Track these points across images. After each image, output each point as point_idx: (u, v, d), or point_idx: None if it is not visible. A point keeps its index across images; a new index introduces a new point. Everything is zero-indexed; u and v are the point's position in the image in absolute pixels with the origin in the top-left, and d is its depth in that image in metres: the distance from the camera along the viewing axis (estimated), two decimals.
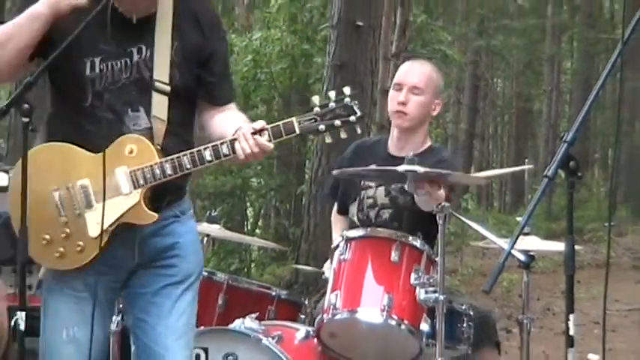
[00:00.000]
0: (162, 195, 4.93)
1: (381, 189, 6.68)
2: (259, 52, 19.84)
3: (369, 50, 16.82)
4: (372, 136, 13.95)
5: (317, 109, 4.73)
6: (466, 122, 36.67)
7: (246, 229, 23.41)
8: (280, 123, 4.75)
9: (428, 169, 5.87)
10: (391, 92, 6.82)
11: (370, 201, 6.79)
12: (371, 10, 16.62)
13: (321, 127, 4.73)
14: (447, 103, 32.25)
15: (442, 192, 5.94)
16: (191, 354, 5.21)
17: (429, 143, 6.88)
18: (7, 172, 6.81)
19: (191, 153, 4.77)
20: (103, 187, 4.74)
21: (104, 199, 4.77)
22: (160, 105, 4.86)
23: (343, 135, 4.80)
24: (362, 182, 6.78)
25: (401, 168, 5.88)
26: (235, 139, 4.73)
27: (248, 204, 25.99)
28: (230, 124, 4.91)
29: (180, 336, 5.05)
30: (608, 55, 5.01)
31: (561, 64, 38.18)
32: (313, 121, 4.73)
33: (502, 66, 36.92)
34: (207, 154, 4.77)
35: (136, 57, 4.88)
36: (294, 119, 4.74)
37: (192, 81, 5.00)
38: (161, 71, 4.87)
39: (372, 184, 6.69)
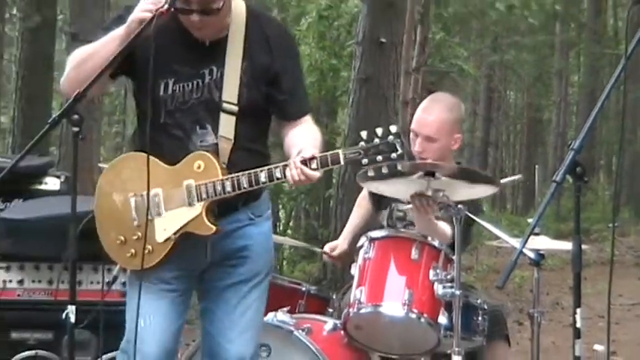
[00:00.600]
0: (234, 201, 4.95)
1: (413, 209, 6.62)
2: None
3: (391, 65, 16.79)
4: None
5: (362, 143, 4.69)
6: (481, 131, 36.64)
7: (278, 230, 23.44)
8: (328, 154, 4.73)
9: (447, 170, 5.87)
10: (411, 135, 6.72)
11: (400, 214, 6.76)
12: (393, 28, 16.59)
13: (364, 160, 4.71)
14: (466, 115, 32.23)
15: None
16: (255, 348, 5.23)
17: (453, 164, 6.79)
18: (58, 177, 6.81)
19: (249, 174, 4.77)
20: (148, 197, 4.77)
21: (147, 212, 4.80)
22: (226, 125, 4.88)
23: (384, 171, 4.83)
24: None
25: (421, 174, 5.87)
26: (287, 166, 4.74)
27: (280, 206, 26.01)
28: (297, 143, 4.92)
29: (244, 330, 5.09)
30: (612, 69, 5.00)
31: (569, 78, 38.09)
32: (358, 154, 4.70)
33: (514, 79, 36.80)
34: (262, 177, 4.78)
35: (207, 78, 4.90)
36: (340, 151, 4.72)
37: (260, 98, 4.99)
38: (230, 92, 4.88)
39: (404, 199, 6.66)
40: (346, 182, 15.85)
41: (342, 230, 7.35)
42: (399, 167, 4.90)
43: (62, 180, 6.75)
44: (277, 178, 4.79)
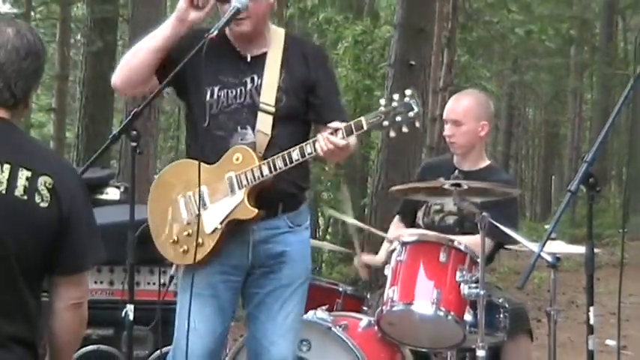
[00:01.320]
0: (275, 202, 4.98)
1: (451, 199, 6.62)
2: None
3: (420, 85, 16.79)
4: (423, 156, 13.96)
5: (382, 108, 4.76)
6: (503, 145, 36.58)
7: (317, 235, 23.42)
8: (352, 122, 4.79)
9: (473, 184, 5.88)
10: (444, 116, 6.81)
11: (437, 207, 6.72)
12: (422, 52, 16.61)
13: (385, 123, 4.75)
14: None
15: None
16: (295, 348, 5.25)
17: (487, 162, 6.81)
18: (118, 187, 6.82)
19: (282, 155, 4.80)
20: (199, 196, 4.79)
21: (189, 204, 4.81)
22: (264, 122, 4.93)
23: (405, 129, 4.82)
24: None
25: (447, 183, 5.90)
26: (316, 141, 4.79)
27: (319, 214, 25.99)
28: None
29: (286, 332, 5.09)
30: (623, 89, 4.97)
31: (583, 96, 37.96)
32: (379, 118, 4.75)
33: (533, 97, 36.72)
34: (295, 154, 4.81)
35: (249, 85, 4.97)
36: (362, 118, 4.79)
37: (298, 104, 5.04)
38: (268, 96, 4.94)
39: (438, 199, 6.64)
40: (379, 192, 15.89)
41: (375, 235, 7.34)
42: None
43: (122, 190, 6.76)
44: (309, 153, 4.82)
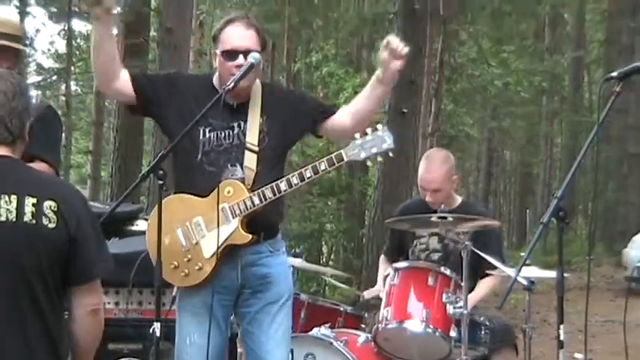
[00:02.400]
0: (258, 230, 4.98)
1: (435, 238, 6.69)
2: None
3: (411, 130, 16.95)
4: (414, 194, 14.00)
5: (357, 141, 4.84)
6: (483, 182, 36.63)
7: (321, 261, 23.44)
8: (333, 155, 4.89)
9: (459, 216, 5.93)
10: (419, 183, 6.81)
11: (422, 247, 6.77)
12: (413, 101, 16.76)
13: (362, 154, 4.84)
14: (470, 169, 32.15)
15: None
16: (288, 356, 5.25)
17: (459, 199, 6.85)
18: (147, 220, 6.84)
19: (271, 186, 4.89)
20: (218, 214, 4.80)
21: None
22: (250, 159, 4.98)
23: (380, 159, 4.95)
24: (415, 235, 6.78)
25: (434, 216, 5.94)
26: (298, 174, 4.90)
27: (323, 243, 26.04)
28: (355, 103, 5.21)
29: (279, 343, 5.09)
30: (588, 134, 4.99)
31: (553, 140, 38.02)
32: (358, 150, 4.83)
33: (509, 141, 36.77)
34: (283, 185, 4.89)
35: (236, 129, 5.03)
36: (342, 151, 4.87)
37: (277, 142, 5.11)
38: (252, 137, 5.00)
39: (425, 234, 6.70)
40: (376, 223, 16.07)
41: (372, 262, 7.40)
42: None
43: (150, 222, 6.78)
44: (295, 184, 4.90)
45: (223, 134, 5.01)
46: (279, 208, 5.12)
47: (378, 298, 6.56)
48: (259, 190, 4.88)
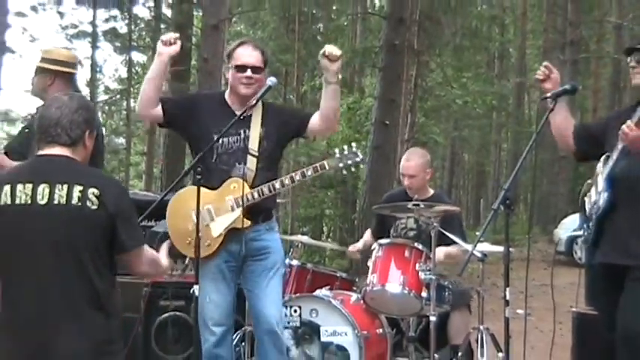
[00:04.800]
0: (257, 214, 5.09)
1: (412, 220, 6.75)
2: (330, 141, 19.90)
3: (392, 138, 16.89)
4: (394, 186, 14.01)
5: (337, 155, 4.99)
6: (447, 178, 36.56)
7: (322, 239, 23.41)
8: (318, 164, 5.06)
9: (429, 203, 5.95)
10: (401, 171, 6.94)
11: (402, 226, 6.83)
12: (393, 115, 16.71)
13: (340, 164, 4.99)
14: (437, 168, 32.11)
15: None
16: (281, 310, 5.27)
17: (432, 191, 6.93)
18: None
19: (268, 185, 5.01)
20: (243, 202, 4.80)
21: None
22: (251, 162, 5.06)
23: (353, 169, 5.07)
24: (395, 217, 6.82)
25: (410, 204, 5.95)
26: (288, 177, 5.07)
27: (324, 224, 26.03)
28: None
29: (274, 300, 5.12)
30: (528, 141, 4.98)
31: (501, 146, 37.96)
32: (337, 161, 4.99)
33: (467, 146, 36.69)
34: (277, 184, 5.04)
35: (242, 135, 5.09)
36: (325, 161, 5.02)
37: (273, 147, 5.18)
38: (253, 144, 5.08)
39: (403, 217, 6.74)
40: (364, 209, 16.11)
41: (361, 238, 7.44)
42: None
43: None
44: (286, 184, 5.07)
45: (232, 139, 5.07)
46: (274, 197, 5.20)
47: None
48: (258, 188, 5.00)
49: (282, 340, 5.19)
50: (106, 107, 27.97)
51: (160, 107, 5.07)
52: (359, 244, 7.13)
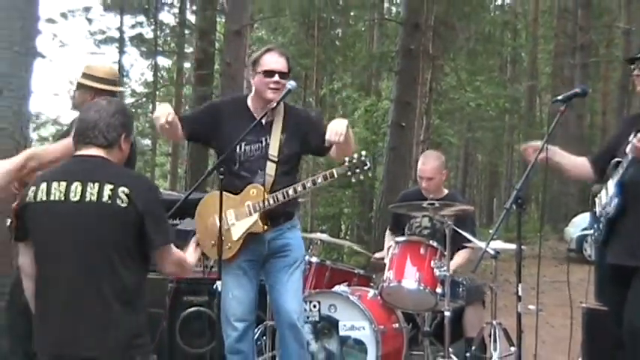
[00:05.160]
0: (278, 218, 5.11)
1: (426, 218, 6.76)
2: None
3: (408, 139, 16.89)
4: (410, 186, 13.99)
5: (347, 163, 4.85)
6: (461, 177, 36.48)
7: (340, 236, 23.41)
8: (327, 172, 4.95)
9: (444, 203, 5.97)
10: (418, 179, 6.96)
11: (417, 224, 6.84)
12: (409, 117, 16.70)
13: (349, 173, 4.86)
14: (451, 168, 32.07)
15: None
16: (301, 305, 5.25)
17: (446, 191, 6.92)
18: None
19: (282, 191, 4.97)
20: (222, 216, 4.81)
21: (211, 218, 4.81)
22: (270, 168, 5.05)
23: (362, 177, 4.92)
24: (411, 216, 6.83)
25: (425, 203, 5.94)
26: (301, 184, 4.99)
27: (342, 222, 26.00)
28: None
29: (294, 295, 5.10)
30: (540, 142, 4.98)
31: (513, 147, 37.79)
32: (345, 170, 4.85)
33: (481, 147, 36.58)
34: (290, 191, 4.97)
35: (264, 142, 5.08)
36: (334, 169, 4.90)
37: (293, 154, 5.16)
38: (273, 150, 5.06)
39: (419, 216, 6.75)
40: (381, 208, 16.09)
41: (378, 237, 7.46)
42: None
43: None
44: (299, 191, 4.97)
45: (254, 147, 5.07)
46: (295, 200, 5.18)
47: (383, 260, 6.60)
48: (274, 194, 4.98)
49: (303, 334, 5.17)
50: (133, 110, 28.08)
51: (180, 129, 5.05)
52: (384, 252, 7.00)
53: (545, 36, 33.44)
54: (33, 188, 3.66)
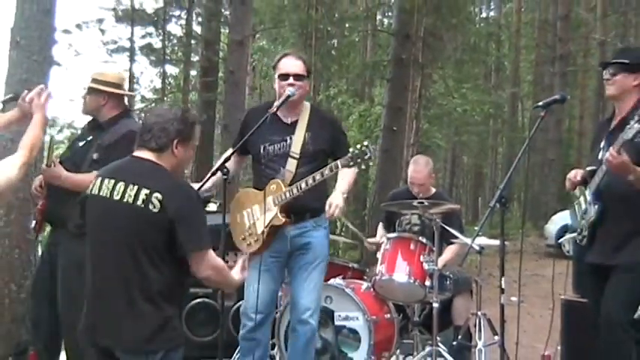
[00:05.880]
0: (302, 212, 5.05)
1: (415, 216, 6.76)
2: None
3: (399, 142, 16.90)
4: (400, 185, 14.00)
5: (349, 154, 4.75)
6: (449, 178, 36.50)
7: (336, 232, 23.39)
8: (332, 164, 4.87)
9: (433, 201, 5.96)
10: (409, 183, 6.94)
11: (407, 221, 6.84)
12: (400, 122, 16.70)
13: (351, 163, 4.77)
14: (439, 169, 32.08)
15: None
16: (316, 303, 5.16)
17: (434, 190, 6.93)
18: (215, 203, 6.80)
19: (296, 185, 4.91)
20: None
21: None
22: (291, 164, 5.01)
23: (363, 166, 4.83)
24: (401, 213, 6.82)
25: (415, 202, 5.94)
26: (314, 176, 4.88)
27: (337, 220, 25.92)
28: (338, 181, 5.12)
29: (310, 291, 5.07)
30: (521, 146, 4.99)
31: (497, 150, 37.83)
32: (347, 160, 4.75)
33: (467, 150, 36.59)
34: (303, 184, 4.88)
35: (288, 141, 5.05)
36: (338, 161, 4.81)
37: (320, 150, 5.07)
38: (296, 148, 5.02)
39: (408, 213, 6.75)
40: (374, 206, 16.13)
41: (371, 232, 7.48)
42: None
43: (217, 205, 6.74)
44: (310, 184, 4.86)
45: (278, 146, 5.05)
46: (321, 196, 5.05)
47: (374, 247, 6.64)
48: (290, 187, 4.93)
49: (313, 330, 5.13)
50: (142, 114, 28.07)
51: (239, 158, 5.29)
52: (377, 238, 6.98)
53: (527, 46, 33.56)
54: (94, 181, 3.73)
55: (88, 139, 5.30)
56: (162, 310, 3.55)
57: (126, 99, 5.55)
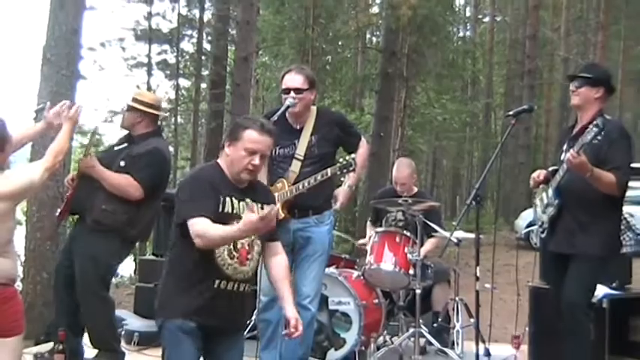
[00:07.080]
0: (306, 209, 4.99)
1: (400, 212, 6.69)
2: None
3: (385, 147, 16.89)
4: (387, 185, 14.00)
5: (338, 163, 4.75)
6: (430, 179, 36.49)
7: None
8: (323, 172, 4.81)
9: (416, 199, 5.95)
10: (394, 180, 6.89)
11: (392, 217, 6.80)
12: (387, 129, 16.73)
13: (338, 172, 4.77)
14: (421, 171, 32.06)
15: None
16: (316, 291, 5.09)
17: (416, 189, 6.88)
18: None
19: (295, 186, 4.88)
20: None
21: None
22: (295, 165, 4.95)
23: (348, 175, 4.90)
24: (388, 210, 6.78)
25: (400, 200, 5.94)
26: (310, 179, 4.85)
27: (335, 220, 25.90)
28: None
29: (311, 281, 5.01)
30: (494, 150, 5.00)
31: (473, 154, 37.84)
32: (336, 170, 4.75)
33: (446, 154, 36.59)
34: (300, 186, 4.86)
35: (295, 144, 4.99)
36: (329, 169, 4.79)
37: (325, 153, 4.99)
38: (301, 150, 4.96)
39: (394, 210, 6.70)
40: (364, 204, 16.05)
41: (362, 228, 7.43)
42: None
43: None
44: (312, 183, 4.82)
45: (286, 149, 4.99)
46: (325, 194, 5.03)
47: (365, 245, 6.58)
48: (289, 187, 4.90)
49: (312, 315, 5.06)
50: (158, 123, 27.99)
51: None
52: (366, 239, 6.98)
53: (499, 62, 33.67)
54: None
55: (122, 147, 5.35)
56: (164, 285, 3.68)
57: (159, 119, 5.56)
